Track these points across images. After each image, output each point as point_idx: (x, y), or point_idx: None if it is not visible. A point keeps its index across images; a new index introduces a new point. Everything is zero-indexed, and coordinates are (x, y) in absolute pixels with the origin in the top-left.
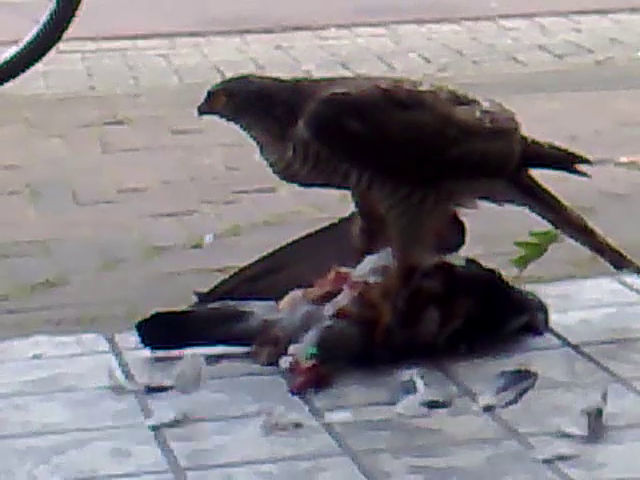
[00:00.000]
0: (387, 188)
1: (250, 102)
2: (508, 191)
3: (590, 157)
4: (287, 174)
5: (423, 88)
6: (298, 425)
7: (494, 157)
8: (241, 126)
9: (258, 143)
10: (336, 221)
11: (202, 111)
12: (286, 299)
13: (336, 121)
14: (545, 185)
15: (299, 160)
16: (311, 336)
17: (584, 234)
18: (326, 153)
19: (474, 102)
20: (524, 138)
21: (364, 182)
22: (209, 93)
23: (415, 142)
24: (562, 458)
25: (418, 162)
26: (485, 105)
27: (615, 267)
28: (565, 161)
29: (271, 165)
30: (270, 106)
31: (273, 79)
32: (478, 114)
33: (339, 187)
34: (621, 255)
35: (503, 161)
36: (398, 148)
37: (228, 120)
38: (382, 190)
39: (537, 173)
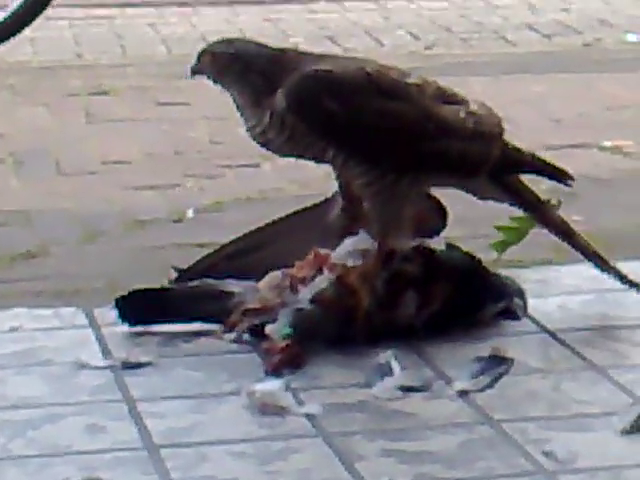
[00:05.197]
0: (360, 168)
1: (229, 64)
2: (487, 188)
3: (573, 142)
4: (263, 140)
5: (410, 80)
6: (284, 408)
7: (469, 158)
8: (223, 87)
9: (238, 107)
10: (318, 201)
11: (193, 71)
12: (266, 279)
13: (314, 98)
14: (527, 185)
15: (275, 129)
16: (286, 317)
17: (567, 236)
18: (302, 128)
19: (462, 102)
20: (506, 144)
21: (339, 160)
22: (198, 53)
23: (390, 131)
24: (534, 445)
25: (391, 151)
26: (473, 107)
27: (599, 269)
28: (545, 172)
29: (248, 129)
30: (247, 70)
31: (259, 45)
32: (462, 114)
33: (313, 160)
34: (602, 259)
35: (478, 163)
36: (373, 134)
37: (214, 82)
38: (355, 169)
39: None
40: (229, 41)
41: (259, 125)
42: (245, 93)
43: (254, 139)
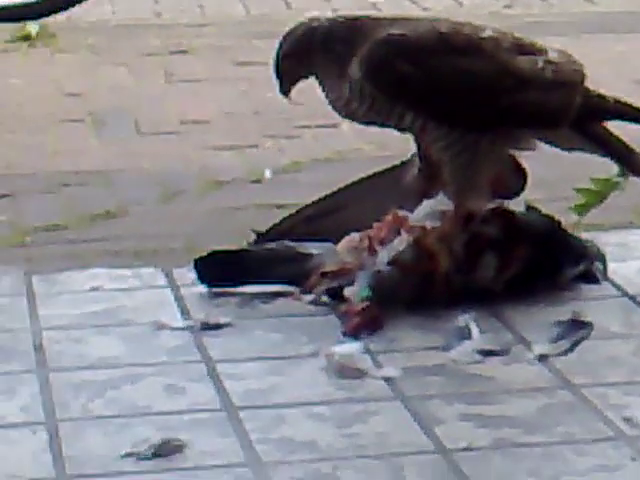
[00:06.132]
0: (439, 131)
1: (312, 41)
2: (572, 139)
3: None
4: (346, 112)
5: (485, 34)
6: (362, 371)
7: (550, 108)
8: (308, 68)
9: (320, 82)
10: (397, 163)
11: (284, 92)
12: (344, 241)
13: (388, 62)
14: (613, 133)
15: (356, 99)
16: (365, 279)
17: None
18: (380, 95)
19: (541, 51)
20: (588, 91)
21: (418, 124)
22: (281, 39)
23: (467, 89)
24: (614, 410)
25: (470, 108)
26: (552, 55)
27: None
28: (631, 116)
29: (331, 102)
30: (331, 45)
31: (333, 19)
32: (540, 64)
33: (396, 128)
34: None
35: (559, 113)
36: (449, 93)
37: (306, 78)
38: (434, 132)
39: None
40: (306, 22)
41: (342, 97)
42: (329, 65)
43: (339, 113)
